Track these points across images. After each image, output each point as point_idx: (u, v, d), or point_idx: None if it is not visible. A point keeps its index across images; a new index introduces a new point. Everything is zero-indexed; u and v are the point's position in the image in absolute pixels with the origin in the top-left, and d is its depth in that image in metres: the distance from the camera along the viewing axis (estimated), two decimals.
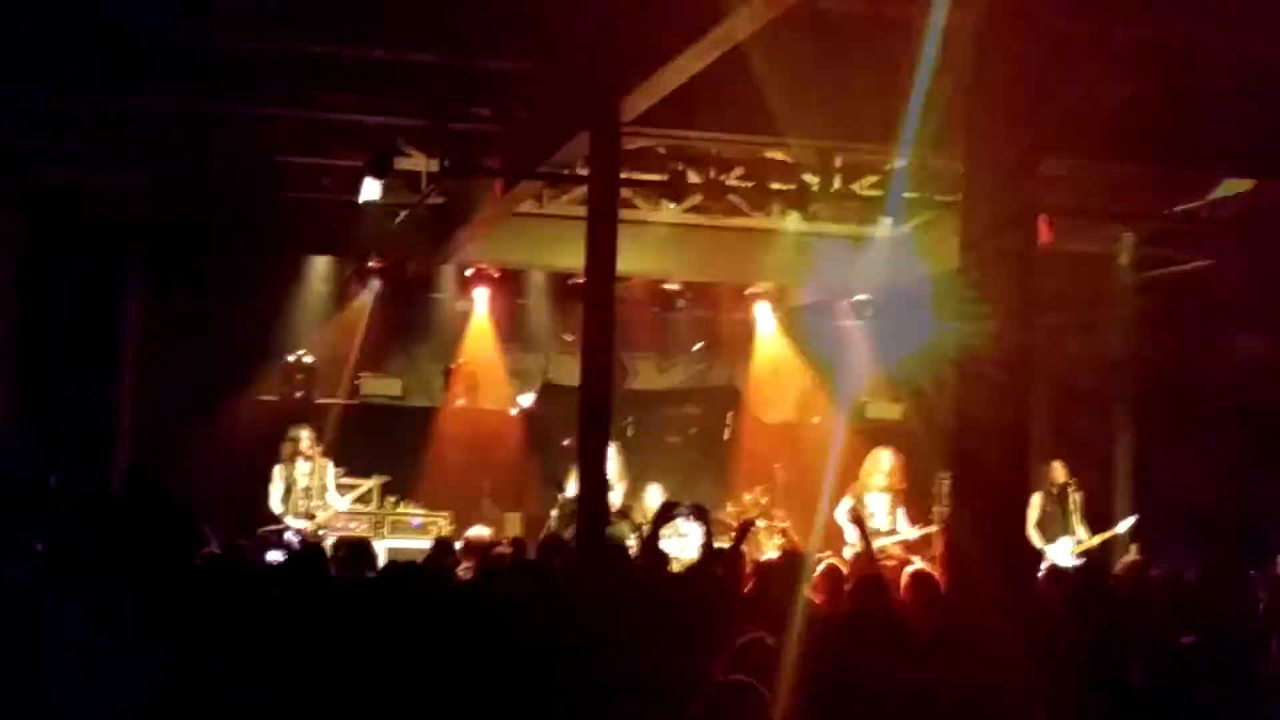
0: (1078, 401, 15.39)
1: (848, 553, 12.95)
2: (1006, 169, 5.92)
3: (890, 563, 11.97)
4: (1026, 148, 5.93)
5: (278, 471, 13.42)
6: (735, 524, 14.51)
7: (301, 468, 13.38)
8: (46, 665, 6.05)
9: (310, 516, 13.16)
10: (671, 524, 14.10)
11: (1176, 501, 14.76)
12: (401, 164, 12.15)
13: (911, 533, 13.61)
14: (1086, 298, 15.00)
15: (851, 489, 13.72)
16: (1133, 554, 13.37)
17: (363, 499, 14.08)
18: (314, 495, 13.34)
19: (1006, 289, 5.89)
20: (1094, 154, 11.23)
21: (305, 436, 13.51)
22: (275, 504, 13.30)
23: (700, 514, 9.04)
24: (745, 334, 17.48)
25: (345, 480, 13.90)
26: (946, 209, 12.52)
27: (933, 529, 13.71)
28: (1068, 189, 12.43)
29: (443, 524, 14.29)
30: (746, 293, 17.00)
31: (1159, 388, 15.55)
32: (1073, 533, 13.62)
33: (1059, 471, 13.66)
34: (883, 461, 13.73)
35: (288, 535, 12.83)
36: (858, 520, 13.32)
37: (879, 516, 13.56)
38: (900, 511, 13.68)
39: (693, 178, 12.42)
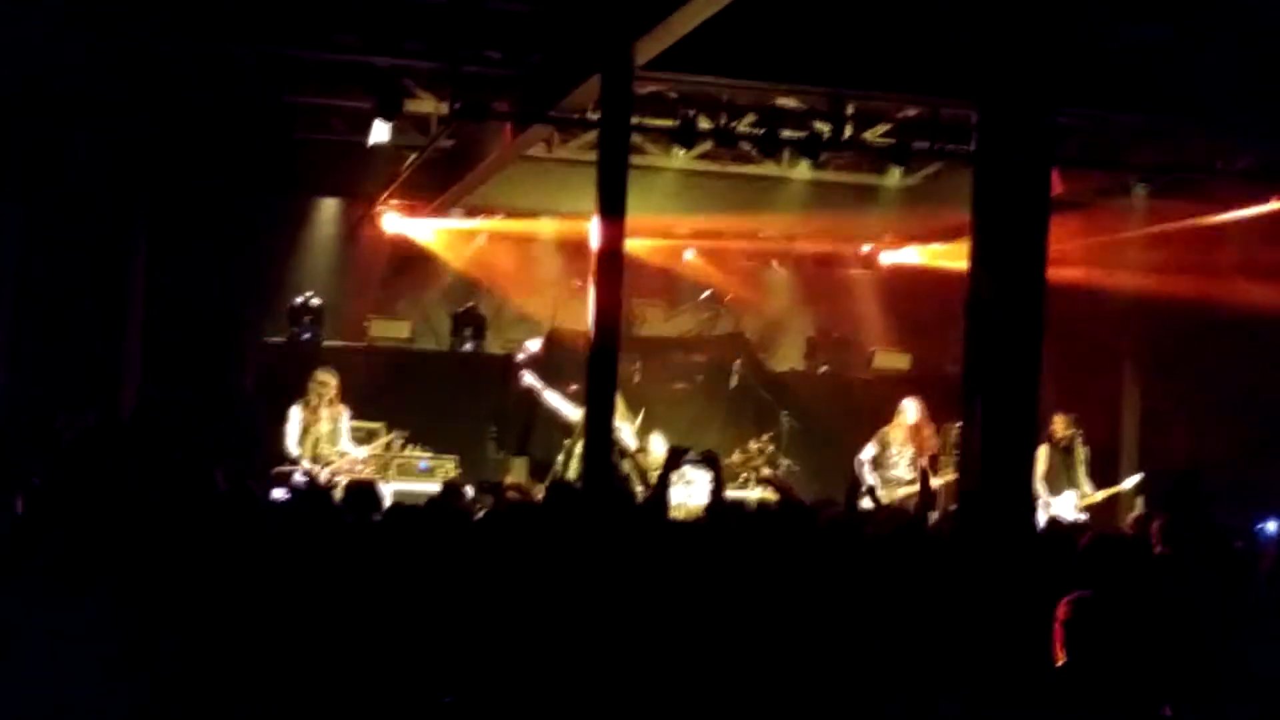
0: (1087, 355, 15.39)
1: (866, 501, 12.99)
2: (1021, 119, 5.89)
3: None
4: (1041, 97, 5.89)
5: (295, 412, 13.26)
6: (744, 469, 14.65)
7: (322, 413, 13.25)
8: (46, 605, 6.06)
9: (328, 463, 13.08)
10: (679, 471, 14.17)
11: (1184, 457, 14.77)
12: (411, 106, 12.10)
13: (935, 481, 13.61)
14: (1098, 250, 14.97)
15: (877, 436, 13.73)
16: (1139, 508, 13.40)
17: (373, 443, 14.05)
18: (328, 441, 13.24)
19: (1018, 240, 5.87)
20: (1107, 104, 11.17)
21: (332, 382, 13.37)
22: (292, 446, 13.18)
23: (710, 461, 9.05)
24: (753, 282, 17.46)
25: (354, 423, 13.85)
26: (959, 159, 12.48)
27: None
28: (1080, 140, 12.39)
29: (450, 467, 14.29)
30: (758, 238, 16.96)
31: (1169, 341, 15.54)
32: (1078, 487, 13.62)
33: (1059, 424, 13.63)
34: (910, 412, 13.71)
35: (296, 476, 12.79)
36: (880, 466, 13.38)
37: (900, 467, 13.58)
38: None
39: (703, 124, 12.36)
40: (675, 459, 9.18)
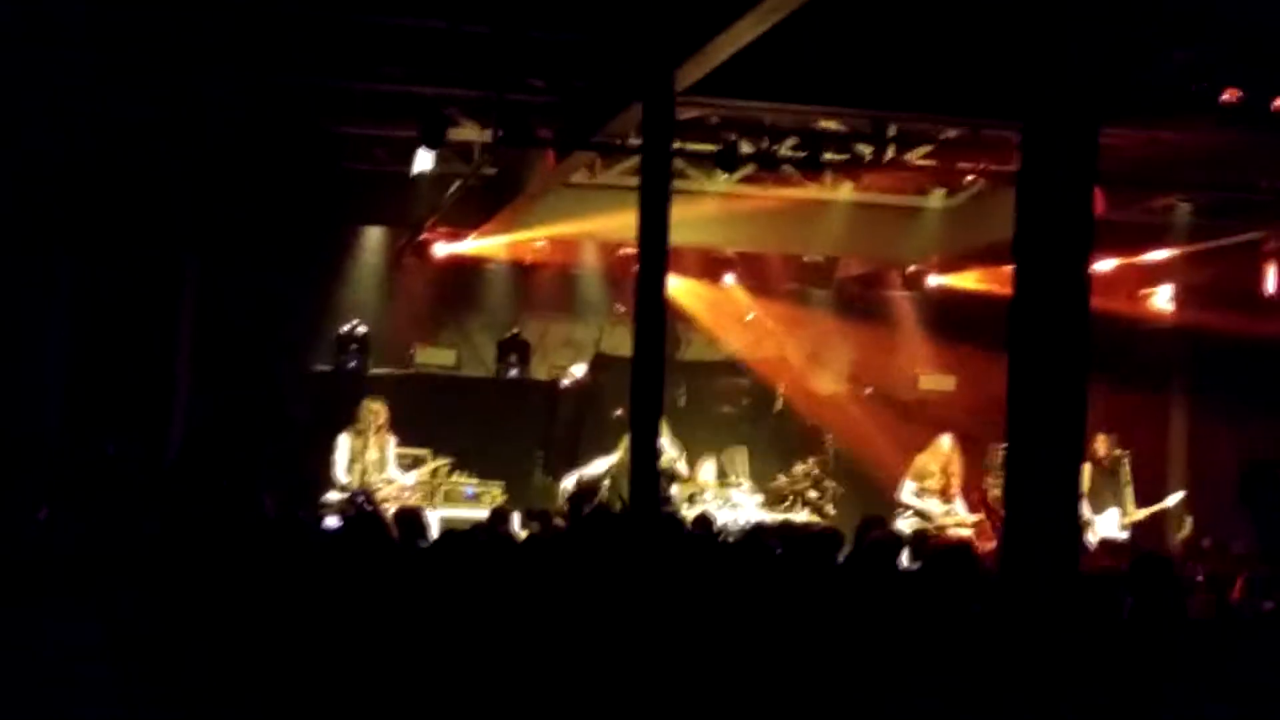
0: (1134, 373, 15.33)
1: (902, 525, 13.01)
2: (1063, 138, 5.88)
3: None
4: (1084, 116, 5.88)
5: (344, 440, 13.41)
6: (790, 492, 14.66)
7: (371, 441, 13.39)
8: (93, 631, 6.11)
9: (376, 490, 13.21)
10: (724, 493, 14.25)
11: (1231, 473, 14.70)
12: (454, 135, 12.17)
13: (969, 516, 13.63)
14: (1142, 269, 14.92)
15: (912, 469, 13.75)
16: (1188, 528, 13.36)
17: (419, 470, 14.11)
18: (376, 469, 13.39)
19: (1062, 259, 5.85)
20: (1151, 122, 11.14)
21: (382, 412, 13.53)
22: (340, 474, 13.33)
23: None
24: (797, 304, 17.48)
25: (400, 450, 13.95)
26: (1001, 179, 12.48)
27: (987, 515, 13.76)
28: (1124, 158, 12.34)
29: (496, 493, 14.34)
30: (801, 261, 17.00)
31: (1214, 360, 15.47)
32: (1122, 505, 13.59)
33: (1103, 444, 13.61)
34: (943, 446, 13.75)
35: (348, 497, 12.89)
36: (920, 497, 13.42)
37: (934, 499, 13.61)
38: (957, 497, 13.71)
39: (745, 148, 12.39)
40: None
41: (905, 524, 13.08)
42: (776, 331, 17.56)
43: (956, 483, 13.76)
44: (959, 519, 13.57)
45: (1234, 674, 5.92)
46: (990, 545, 11.70)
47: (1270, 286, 14.10)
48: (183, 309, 15.02)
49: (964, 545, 9.28)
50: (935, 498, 13.63)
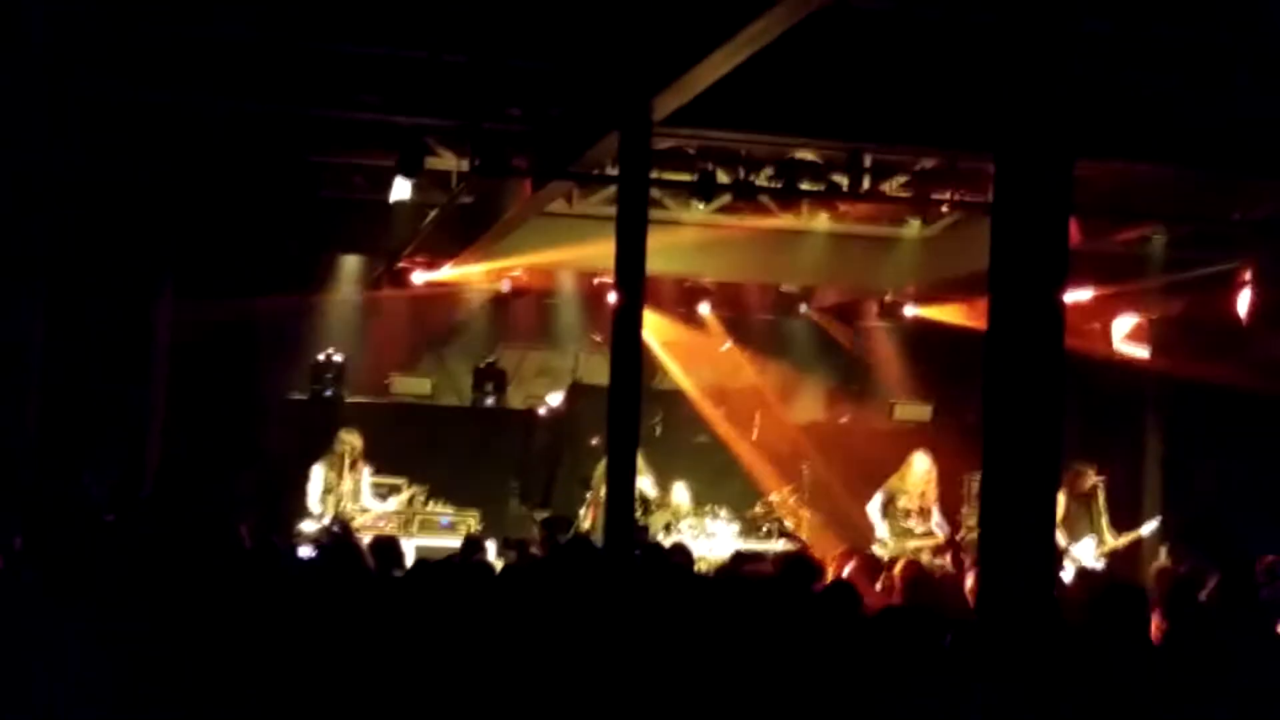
0: (1107, 403, 15.38)
1: (878, 549, 13.02)
2: (1038, 170, 5.91)
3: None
4: (1059, 147, 5.92)
5: (318, 470, 13.40)
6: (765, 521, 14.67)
7: (345, 472, 13.39)
8: (69, 663, 6.08)
9: (351, 519, 13.19)
10: (700, 522, 14.25)
11: (1205, 503, 14.75)
12: (432, 163, 12.19)
13: (944, 535, 13.65)
14: (1118, 299, 14.98)
15: (885, 486, 13.77)
16: (1163, 558, 13.38)
17: (395, 499, 14.09)
18: (351, 499, 13.37)
19: (1037, 289, 5.88)
20: (1127, 154, 11.20)
21: (357, 443, 13.53)
22: (314, 503, 13.31)
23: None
24: (773, 334, 17.51)
25: (376, 479, 13.93)
26: (977, 209, 12.54)
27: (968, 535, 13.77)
28: (1098, 189, 12.41)
29: (472, 522, 14.32)
30: (782, 290, 17.04)
31: (1188, 389, 15.53)
32: (1098, 533, 13.61)
33: (1078, 472, 13.65)
34: (918, 464, 13.76)
35: (333, 527, 12.87)
36: (888, 515, 13.45)
37: (911, 518, 13.62)
38: (935, 513, 13.72)
39: (722, 178, 12.43)
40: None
41: (878, 549, 13.09)
42: (752, 361, 17.60)
43: (933, 499, 13.76)
44: (936, 540, 13.59)
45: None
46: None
47: (1243, 316, 14.16)
48: (159, 335, 14.98)
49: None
50: (912, 518, 13.63)
